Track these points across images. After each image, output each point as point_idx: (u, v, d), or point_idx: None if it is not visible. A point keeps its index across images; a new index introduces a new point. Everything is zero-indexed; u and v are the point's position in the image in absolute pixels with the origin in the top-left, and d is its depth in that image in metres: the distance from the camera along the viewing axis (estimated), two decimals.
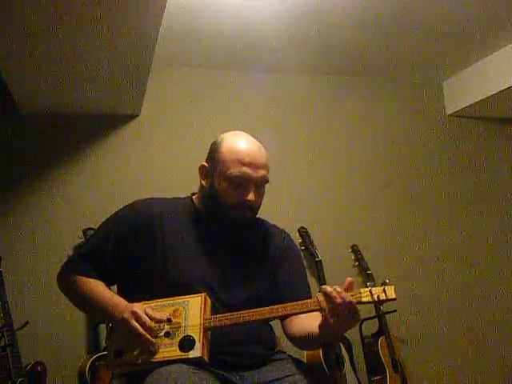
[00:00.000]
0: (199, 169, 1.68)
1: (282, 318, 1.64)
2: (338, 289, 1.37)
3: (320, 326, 1.42)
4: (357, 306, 1.37)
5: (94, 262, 1.63)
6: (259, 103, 3.34)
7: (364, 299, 1.37)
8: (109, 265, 1.63)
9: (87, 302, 1.60)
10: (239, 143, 1.62)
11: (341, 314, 1.36)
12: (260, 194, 1.63)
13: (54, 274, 1.71)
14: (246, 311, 1.46)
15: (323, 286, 1.38)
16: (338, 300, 1.35)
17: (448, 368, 3.29)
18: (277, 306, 1.46)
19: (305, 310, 1.44)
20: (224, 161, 1.60)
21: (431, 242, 3.46)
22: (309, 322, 1.51)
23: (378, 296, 1.36)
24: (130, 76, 2.63)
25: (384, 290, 1.37)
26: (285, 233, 1.81)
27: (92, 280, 1.61)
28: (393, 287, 1.37)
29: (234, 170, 1.57)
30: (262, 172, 1.60)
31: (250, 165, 1.58)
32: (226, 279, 1.61)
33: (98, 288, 1.60)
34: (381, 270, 3.16)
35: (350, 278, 1.41)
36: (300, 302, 1.45)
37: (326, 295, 1.37)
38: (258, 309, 1.46)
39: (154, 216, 1.64)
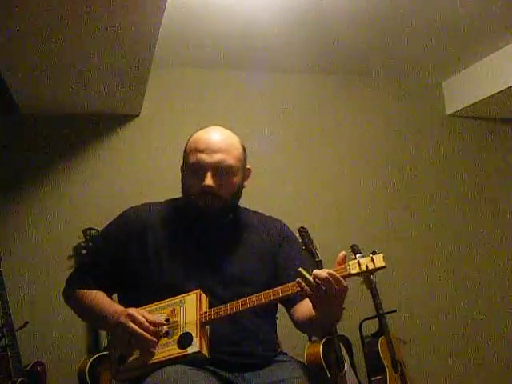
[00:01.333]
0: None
1: (287, 308, 1.64)
2: (316, 271, 1.35)
3: (313, 307, 1.41)
4: (346, 278, 1.35)
5: (95, 274, 1.66)
6: (259, 103, 3.34)
7: (353, 271, 1.35)
8: (107, 274, 1.65)
9: (88, 313, 1.64)
10: (198, 133, 1.64)
11: (325, 289, 1.33)
12: (223, 179, 1.58)
13: (53, 274, 1.72)
14: (240, 300, 1.45)
15: (299, 269, 1.36)
16: (313, 282, 1.33)
17: (448, 368, 3.29)
18: (269, 291, 1.43)
19: (287, 293, 1.41)
20: (186, 153, 1.63)
21: (431, 242, 3.46)
22: (309, 306, 1.50)
23: (366, 266, 1.34)
24: (130, 76, 2.63)
25: (372, 259, 1.34)
26: (281, 223, 1.80)
27: (93, 292, 1.64)
28: (381, 255, 1.35)
29: (191, 158, 1.59)
30: (218, 156, 1.57)
31: (204, 151, 1.57)
32: (223, 275, 1.60)
33: (96, 299, 1.62)
34: (381, 269, 3.16)
35: (343, 252, 1.41)
36: (281, 287, 1.42)
37: (302, 278, 1.35)
38: (247, 297, 1.44)
39: (148, 219, 1.65)
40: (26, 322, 2.62)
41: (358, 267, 1.34)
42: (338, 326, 2.87)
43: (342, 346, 2.91)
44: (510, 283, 3.52)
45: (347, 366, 2.87)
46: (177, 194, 1.79)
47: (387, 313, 2.98)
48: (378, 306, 2.99)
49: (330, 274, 1.33)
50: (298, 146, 3.37)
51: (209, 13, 2.63)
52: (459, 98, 3.57)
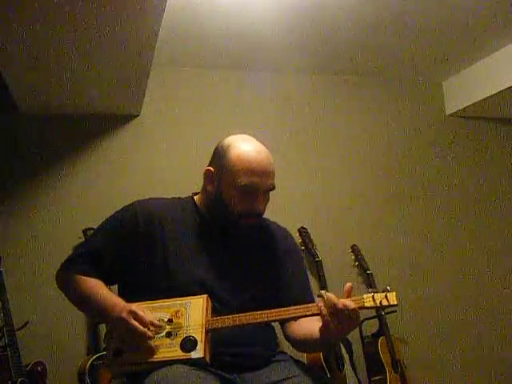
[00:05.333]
0: (204, 173, 1.65)
1: (282, 321, 1.64)
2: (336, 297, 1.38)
3: (320, 330, 1.43)
4: (358, 310, 1.39)
5: (94, 262, 1.63)
6: (259, 103, 3.34)
7: (367, 304, 1.40)
8: (108, 264, 1.62)
9: (85, 301, 1.60)
10: (248, 151, 1.58)
11: (341, 319, 1.37)
12: (266, 199, 1.63)
13: (54, 274, 1.70)
14: (249, 313, 1.46)
15: (324, 292, 1.39)
16: (340, 306, 1.36)
17: (448, 368, 3.30)
18: (280, 309, 1.46)
19: (307, 313, 1.45)
20: (233, 169, 1.57)
21: (431, 242, 3.46)
22: (307, 325, 1.52)
23: (380, 301, 1.40)
24: (130, 76, 2.63)
25: (386, 296, 1.40)
26: (287, 232, 1.80)
27: (91, 279, 1.61)
28: (394, 293, 1.41)
29: (244, 180, 1.55)
30: (270, 180, 1.59)
31: (259, 174, 1.56)
32: (228, 280, 1.60)
33: (96, 287, 1.59)
34: (381, 269, 3.17)
35: (349, 284, 1.42)
36: (303, 306, 1.45)
37: (328, 301, 1.37)
38: (261, 311, 1.46)
39: (155, 216, 1.63)
40: (26, 322, 2.62)
41: (372, 302, 1.40)
42: None
43: (341, 345, 2.91)
44: (511, 283, 3.53)
45: (347, 366, 2.87)
46: (177, 193, 1.80)
47: (387, 313, 2.98)
48: (379, 310, 2.99)
49: (353, 309, 1.36)
50: (298, 146, 3.37)
51: (209, 13, 2.63)
52: (459, 98, 3.57)
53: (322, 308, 1.38)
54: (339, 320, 1.37)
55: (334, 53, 3.19)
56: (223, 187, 1.59)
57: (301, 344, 1.60)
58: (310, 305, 1.44)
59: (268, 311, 1.46)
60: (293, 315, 1.47)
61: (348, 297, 1.41)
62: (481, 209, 3.60)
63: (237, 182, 1.56)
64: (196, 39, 2.90)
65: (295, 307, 1.45)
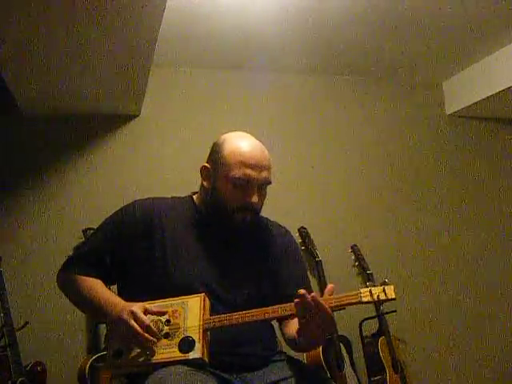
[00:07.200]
0: (201, 170, 1.66)
1: (279, 320, 1.64)
2: (314, 294, 1.37)
3: (297, 331, 1.43)
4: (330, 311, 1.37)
5: (94, 262, 1.63)
6: (259, 103, 3.34)
7: (364, 299, 1.37)
8: (108, 264, 1.63)
9: (86, 301, 1.60)
10: (242, 145, 1.60)
11: (314, 320, 1.36)
12: (262, 195, 1.62)
13: (54, 274, 1.71)
14: (244, 312, 1.45)
15: (299, 290, 1.37)
16: (312, 305, 1.35)
17: (448, 368, 3.30)
18: (270, 308, 1.45)
19: (283, 314, 1.43)
20: (227, 163, 1.58)
21: (431, 242, 3.46)
22: (295, 325, 1.51)
23: (378, 296, 1.37)
24: (130, 76, 2.63)
25: (384, 290, 1.37)
26: (286, 230, 1.80)
27: (91, 279, 1.61)
28: (392, 287, 1.38)
29: (237, 173, 1.56)
30: (264, 174, 1.58)
31: (253, 167, 1.56)
32: (227, 279, 1.60)
33: (96, 287, 1.59)
34: (381, 270, 3.16)
35: (331, 285, 1.42)
36: (287, 305, 1.43)
37: (302, 299, 1.36)
38: (255, 310, 1.45)
39: (154, 216, 1.63)
40: (26, 322, 2.62)
41: (369, 296, 1.37)
42: (338, 326, 2.88)
43: (341, 345, 2.91)
44: (510, 284, 3.53)
45: (347, 366, 2.87)
46: (177, 193, 1.80)
47: (387, 313, 2.98)
48: (377, 305, 2.99)
49: (324, 309, 1.35)
50: (298, 146, 3.37)
51: (209, 13, 2.63)
52: (459, 98, 3.57)
53: (297, 307, 1.37)
54: (312, 320, 1.35)
55: (334, 53, 3.19)
56: (218, 182, 1.60)
57: (290, 344, 1.59)
58: (286, 304, 1.42)
59: (263, 309, 1.45)
60: (287, 313, 1.43)
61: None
62: (482, 208, 3.60)
63: (230, 175, 1.56)
64: (196, 39, 2.90)
65: (276, 306, 1.43)
